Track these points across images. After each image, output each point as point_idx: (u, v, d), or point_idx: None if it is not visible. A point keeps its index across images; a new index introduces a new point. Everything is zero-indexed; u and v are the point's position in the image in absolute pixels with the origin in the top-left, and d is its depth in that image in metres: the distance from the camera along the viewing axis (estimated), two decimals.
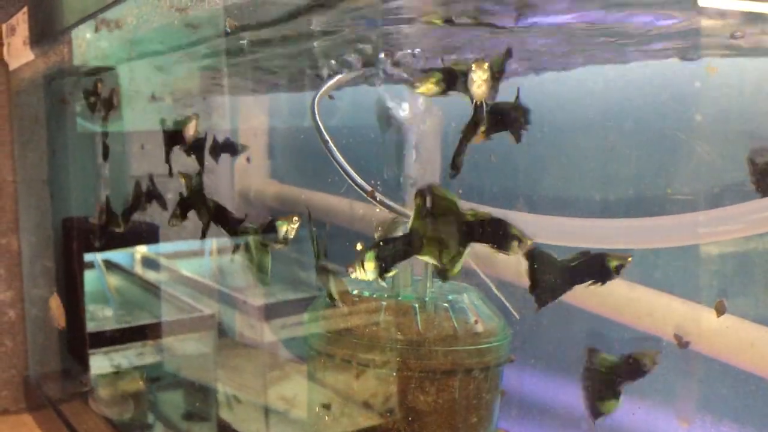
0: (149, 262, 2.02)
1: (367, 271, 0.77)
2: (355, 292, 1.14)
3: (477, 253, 1.20)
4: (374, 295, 1.13)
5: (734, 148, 0.82)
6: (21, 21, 1.66)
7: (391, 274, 0.78)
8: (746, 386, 0.96)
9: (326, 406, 1.12)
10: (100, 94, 1.53)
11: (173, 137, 1.23)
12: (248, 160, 1.85)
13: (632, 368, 0.83)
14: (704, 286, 0.90)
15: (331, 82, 1.29)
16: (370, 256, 0.77)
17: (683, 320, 0.93)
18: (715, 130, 0.81)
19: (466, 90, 0.75)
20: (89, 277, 1.86)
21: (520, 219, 1.09)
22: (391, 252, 0.78)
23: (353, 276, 0.80)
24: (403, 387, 1.06)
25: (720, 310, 0.79)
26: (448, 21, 0.88)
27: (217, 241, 1.97)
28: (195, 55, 1.40)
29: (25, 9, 1.64)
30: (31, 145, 1.82)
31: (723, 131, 0.81)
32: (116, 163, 1.62)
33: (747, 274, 0.90)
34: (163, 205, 1.43)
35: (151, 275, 1.98)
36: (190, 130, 1.18)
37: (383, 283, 0.78)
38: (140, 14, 1.16)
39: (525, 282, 0.90)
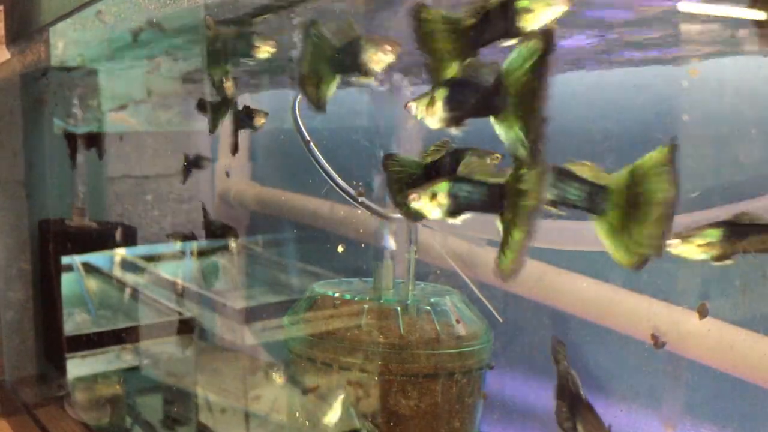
0: (128, 265, 2.00)
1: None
2: (336, 295, 1.14)
3: (459, 255, 1.19)
4: (356, 298, 1.12)
5: (717, 151, 0.83)
6: None
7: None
8: (726, 388, 0.96)
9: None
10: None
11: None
12: (227, 174, 1.84)
13: None
14: (686, 288, 0.91)
15: None
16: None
17: (665, 323, 0.93)
18: (699, 133, 0.81)
19: None
20: (67, 279, 1.83)
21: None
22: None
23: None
24: (385, 391, 1.05)
25: (702, 313, 0.79)
26: None
27: (197, 244, 1.96)
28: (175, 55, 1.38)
29: (1, 7, 1.61)
30: (7, 146, 1.79)
31: (707, 133, 0.82)
32: (93, 164, 1.60)
33: (727, 277, 0.90)
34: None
35: (130, 278, 1.96)
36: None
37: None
38: (119, 12, 1.14)
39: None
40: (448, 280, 1.20)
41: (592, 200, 0.62)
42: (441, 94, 0.65)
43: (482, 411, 1.14)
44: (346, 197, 1.19)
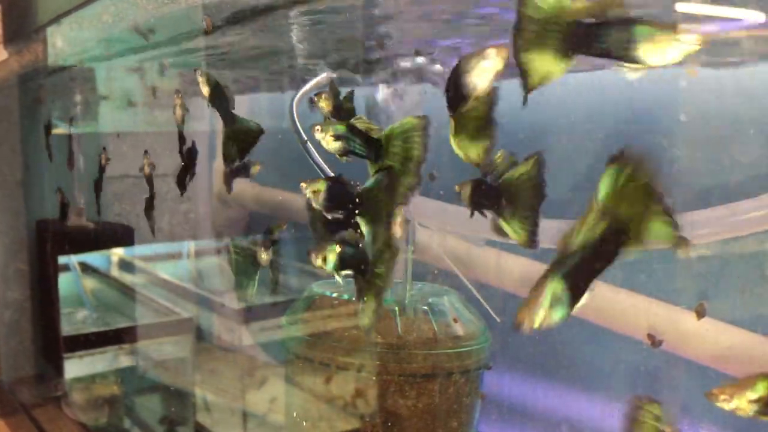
0: (126, 265, 2.00)
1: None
2: (334, 295, 1.14)
3: (457, 255, 1.19)
4: (354, 298, 1.12)
5: (714, 151, 0.82)
6: None
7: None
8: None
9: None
10: None
11: None
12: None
13: None
14: (684, 288, 0.91)
15: (310, 84, 1.28)
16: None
17: (663, 323, 0.93)
18: (696, 133, 0.81)
19: None
20: (65, 279, 1.83)
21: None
22: None
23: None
24: (383, 391, 1.05)
25: (701, 313, 0.78)
26: None
27: (195, 244, 1.95)
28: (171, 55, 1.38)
29: None
30: (4, 146, 1.79)
31: (704, 134, 0.82)
32: (91, 164, 1.59)
33: (725, 277, 0.90)
34: None
35: (127, 278, 1.96)
36: None
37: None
38: (116, 11, 1.14)
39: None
40: (446, 280, 1.19)
41: None
42: (323, 185, 0.79)
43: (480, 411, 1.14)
44: None
